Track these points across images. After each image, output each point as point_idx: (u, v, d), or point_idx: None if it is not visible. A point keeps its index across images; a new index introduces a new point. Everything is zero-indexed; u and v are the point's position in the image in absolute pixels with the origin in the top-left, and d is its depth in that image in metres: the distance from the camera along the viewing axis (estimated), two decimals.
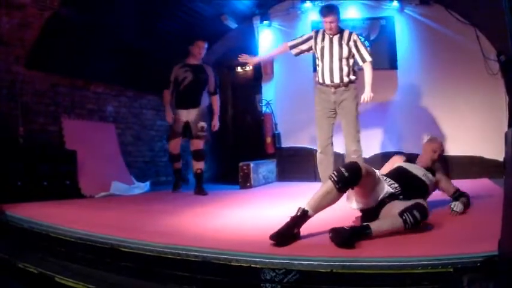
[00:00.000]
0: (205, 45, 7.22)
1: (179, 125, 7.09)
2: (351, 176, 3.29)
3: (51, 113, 6.87)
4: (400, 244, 2.98)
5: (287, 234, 3.17)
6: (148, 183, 7.84)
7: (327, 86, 5.80)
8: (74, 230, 3.64)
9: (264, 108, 9.39)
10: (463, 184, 5.77)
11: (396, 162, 4.45)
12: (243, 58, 6.25)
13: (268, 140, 9.17)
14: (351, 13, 8.90)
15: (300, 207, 3.30)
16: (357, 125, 5.77)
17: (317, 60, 5.92)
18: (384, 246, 2.91)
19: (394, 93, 8.60)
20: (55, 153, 6.41)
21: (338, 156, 6.10)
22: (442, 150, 4.58)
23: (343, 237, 2.96)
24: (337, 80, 5.75)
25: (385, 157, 8.33)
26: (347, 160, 5.75)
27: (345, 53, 5.76)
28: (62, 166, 6.26)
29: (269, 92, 9.46)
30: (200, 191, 6.96)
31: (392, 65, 8.63)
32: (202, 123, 7.14)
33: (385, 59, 8.68)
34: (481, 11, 7.31)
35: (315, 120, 5.96)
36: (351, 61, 5.82)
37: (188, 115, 7.07)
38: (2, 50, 6.07)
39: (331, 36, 5.79)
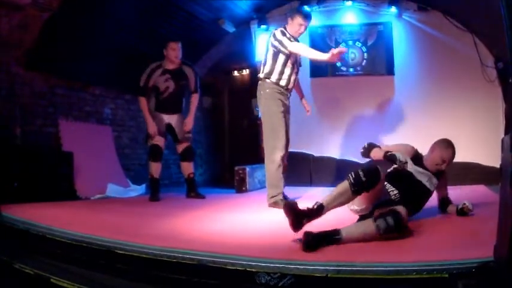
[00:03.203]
0: (179, 45, 6.73)
1: (162, 124, 6.73)
2: (368, 182, 3.30)
3: (49, 114, 6.87)
4: (395, 249, 2.98)
5: (300, 218, 3.27)
6: (144, 186, 7.83)
7: (288, 90, 5.80)
8: (70, 232, 3.64)
9: (260, 113, 9.38)
10: (460, 191, 5.82)
11: (404, 153, 4.03)
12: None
13: None
14: (349, 18, 8.93)
15: (317, 202, 3.36)
16: None
17: (284, 61, 5.70)
18: (379, 251, 2.92)
19: (391, 99, 8.62)
20: (52, 155, 6.41)
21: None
22: (451, 162, 4.15)
23: (308, 241, 2.99)
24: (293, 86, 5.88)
25: (381, 163, 8.36)
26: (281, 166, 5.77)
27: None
28: (58, 168, 6.25)
29: None
30: (197, 194, 6.88)
31: (390, 70, 8.65)
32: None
33: (382, 64, 8.71)
34: (479, 18, 7.33)
35: (271, 121, 5.77)
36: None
37: (170, 118, 6.80)
38: (1, 50, 6.07)
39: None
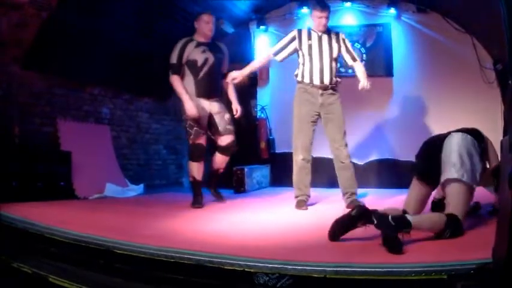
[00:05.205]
0: (213, 19, 6.16)
1: (204, 119, 5.96)
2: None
3: (47, 114, 6.85)
4: None
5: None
6: (142, 185, 7.83)
7: (315, 86, 5.61)
8: (68, 231, 3.63)
9: (258, 114, 9.40)
10: None
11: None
12: (232, 78, 5.90)
13: (263, 145, 9.16)
14: (348, 19, 8.95)
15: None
16: (344, 129, 5.70)
17: (301, 58, 5.69)
18: (377, 252, 2.91)
19: (389, 100, 8.63)
20: (50, 154, 6.39)
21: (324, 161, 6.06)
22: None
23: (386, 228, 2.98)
24: (327, 80, 5.60)
25: (380, 164, 8.38)
26: (338, 167, 5.62)
27: (335, 52, 5.66)
28: (57, 167, 6.25)
29: (264, 97, 9.47)
30: (218, 194, 6.49)
31: (388, 72, 8.66)
32: (228, 115, 6.28)
33: (381, 66, 8.71)
34: (478, 20, 7.34)
35: (294, 121, 5.77)
36: (337, 62, 5.78)
37: (210, 106, 6.04)
38: None
39: (319, 34, 5.67)
